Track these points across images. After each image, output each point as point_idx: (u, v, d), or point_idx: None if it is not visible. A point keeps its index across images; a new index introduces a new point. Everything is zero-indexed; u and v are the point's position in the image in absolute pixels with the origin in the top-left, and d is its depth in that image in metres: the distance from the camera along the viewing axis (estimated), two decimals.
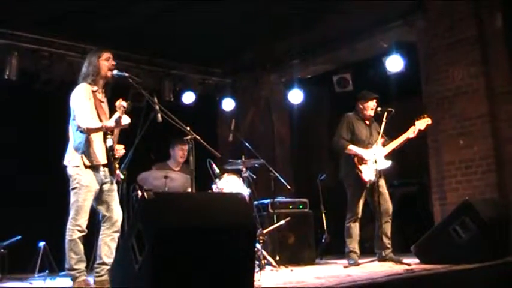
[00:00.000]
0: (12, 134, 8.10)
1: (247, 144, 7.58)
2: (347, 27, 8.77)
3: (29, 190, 8.00)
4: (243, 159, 7.29)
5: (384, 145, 6.98)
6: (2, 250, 6.14)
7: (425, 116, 7.04)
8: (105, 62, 5.36)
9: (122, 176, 5.41)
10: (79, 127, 5.11)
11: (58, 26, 8.14)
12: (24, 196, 7.98)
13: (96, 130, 5.17)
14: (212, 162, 6.97)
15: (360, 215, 6.90)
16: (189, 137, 5.47)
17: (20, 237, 6.56)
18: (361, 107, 7.13)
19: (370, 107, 7.08)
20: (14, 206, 7.81)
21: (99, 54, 5.37)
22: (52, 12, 7.62)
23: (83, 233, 5.12)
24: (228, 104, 10.52)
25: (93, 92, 5.30)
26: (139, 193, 6.56)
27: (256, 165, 7.49)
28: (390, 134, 7.05)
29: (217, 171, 7.01)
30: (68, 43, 8.57)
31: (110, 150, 5.25)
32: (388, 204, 6.93)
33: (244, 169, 7.22)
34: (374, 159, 6.78)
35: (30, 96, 8.40)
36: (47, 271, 6.75)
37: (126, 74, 5.39)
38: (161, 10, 7.93)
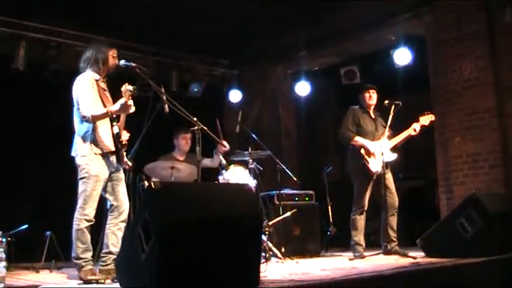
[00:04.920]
0: (20, 124, 8.14)
1: (253, 136, 7.58)
2: (355, 20, 8.73)
3: (36, 179, 8.04)
4: (250, 150, 7.29)
5: (389, 138, 6.99)
6: (9, 239, 6.15)
7: (429, 112, 7.09)
8: (111, 58, 5.40)
9: (129, 163, 5.42)
10: (84, 117, 5.11)
11: (66, 16, 8.15)
12: (32, 185, 8.02)
13: (101, 117, 5.16)
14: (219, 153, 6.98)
15: (366, 208, 6.92)
16: (196, 127, 5.47)
17: (26, 226, 6.58)
18: (361, 98, 7.18)
19: (367, 97, 7.15)
20: (21, 195, 7.85)
21: (109, 47, 5.41)
22: (60, 2, 7.61)
23: (91, 223, 5.14)
24: (235, 96, 10.52)
25: (96, 80, 5.31)
26: (146, 183, 6.57)
27: (263, 156, 7.49)
28: (397, 127, 7.05)
29: (224, 162, 7.02)
30: (75, 33, 8.57)
31: (117, 138, 5.26)
32: (394, 198, 6.94)
33: (250, 160, 7.23)
34: (381, 151, 6.79)
35: (37, 85, 8.41)
36: (53, 260, 6.77)
37: (134, 64, 5.40)
38: (168, 1, 7.91)
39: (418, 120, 7.00)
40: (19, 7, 7.80)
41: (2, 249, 4.85)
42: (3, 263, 4.85)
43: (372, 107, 7.21)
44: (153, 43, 9.37)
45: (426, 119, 7.02)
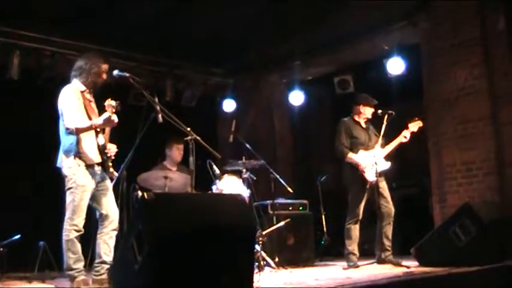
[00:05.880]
0: (13, 133, 8.12)
1: (247, 145, 7.57)
2: (349, 29, 8.75)
3: (29, 189, 8.02)
4: (243, 160, 7.28)
5: (382, 147, 6.99)
6: (2, 249, 6.14)
7: (418, 118, 7.08)
8: (103, 73, 5.43)
9: (116, 174, 5.43)
10: (67, 129, 5.13)
11: (60, 25, 8.14)
12: (25, 195, 7.99)
13: (85, 129, 5.19)
14: (212, 163, 6.97)
15: (360, 217, 6.91)
16: (189, 137, 5.46)
17: (19, 236, 6.56)
18: (361, 110, 7.15)
19: (370, 112, 7.13)
20: (14, 205, 7.81)
21: (103, 62, 5.43)
22: (54, 11, 7.62)
23: (80, 233, 5.15)
24: (229, 105, 10.52)
25: (82, 92, 5.32)
26: (139, 193, 6.54)
27: (257, 166, 7.48)
28: (390, 137, 7.05)
29: (217, 172, 7.01)
30: (70, 42, 8.56)
31: (102, 149, 5.28)
32: (390, 207, 6.94)
33: (244, 170, 7.22)
34: (374, 161, 6.79)
35: (31, 95, 8.38)
36: (46, 270, 6.74)
37: (127, 74, 5.41)
38: (163, 10, 7.92)
39: (407, 127, 7.01)
40: (13, 16, 7.79)
41: None
42: None
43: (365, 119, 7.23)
44: (147, 52, 9.37)
45: (415, 126, 7.02)
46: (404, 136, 6.98)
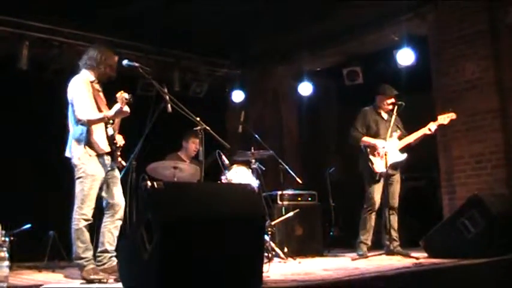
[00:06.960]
0: (22, 123, 8.14)
1: (256, 136, 7.57)
2: (357, 20, 8.72)
3: (39, 178, 8.05)
4: (252, 150, 7.28)
5: (399, 138, 6.98)
6: (12, 238, 6.15)
7: (451, 110, 6.95)
8: (114, 66, 5.45)
9: (124, 163, 5.44)
10: (79, 120, 5.14)
11: (68, 15, 8.15)
12: (35, 184, 8.03)
13: (98, 121, 5.20)
14: (221, 153, 6.98)
15: (376, 207, 6.91)
16: (199, 127, 5.47)
17: (30, 225, 6.58)
18: (381, 101, 7.13)
19: (389, 102, 7.10)
20: (24, 194, 7.85)
21: (114, 54, 5.46)
22: (62, 1, 7.62)
23: (89, 222, 5.18)
24: (237, 96, 10.52)
25: (91, 82, 5.33)
26: (149, 183, 6.57)
27: (265, 156, 7.49)
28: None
29: (227, 162, 7.03)
30: (78, 32, 8.57)
31: (111, 139, 5.30)
32: (394, 198, 6.93)
33: (253, 160, 7.23)
34: (384, 151, 6.77)
35: (39, 85, 8.40)
36: (56, 260, 6.77)
37: (137, 64, 5.41)
38: (170, 1, 7.91)
39: (436, 119, 6.88)
40: (22, 6, 7.79)
41: (5, 249, 4.86)
42: (6, 263, 4.84)
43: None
44: (155, 43, 9.36)
45: (446, 118, 6.87)
46: (429, 128, 6.87)
